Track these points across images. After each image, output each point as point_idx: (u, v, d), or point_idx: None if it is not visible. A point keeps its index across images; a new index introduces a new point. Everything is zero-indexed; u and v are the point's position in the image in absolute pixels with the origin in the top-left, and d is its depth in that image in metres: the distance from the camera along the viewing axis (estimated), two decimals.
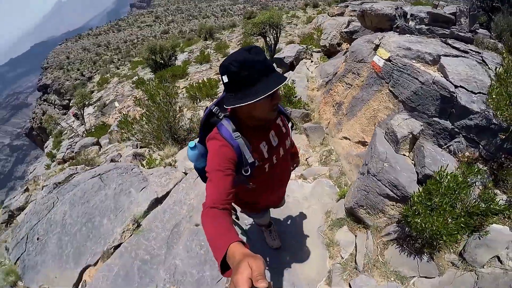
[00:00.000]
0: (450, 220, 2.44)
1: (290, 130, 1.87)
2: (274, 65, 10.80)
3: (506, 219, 2.68)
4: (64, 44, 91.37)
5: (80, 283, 3.12)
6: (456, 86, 2.92)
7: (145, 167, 5.36)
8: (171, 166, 5.02)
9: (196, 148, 1.71)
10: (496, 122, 2.77)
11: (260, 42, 18.37)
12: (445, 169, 2.56)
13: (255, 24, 14.57)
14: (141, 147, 7.89)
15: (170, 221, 3.41)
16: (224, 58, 1.33)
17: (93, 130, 15.70)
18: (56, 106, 42.29)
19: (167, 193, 3.95)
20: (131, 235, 3.34)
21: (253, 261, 0.78)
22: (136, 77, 21.01)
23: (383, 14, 4.25)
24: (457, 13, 4.12)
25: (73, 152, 12.67)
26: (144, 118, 6.94)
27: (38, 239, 3.72)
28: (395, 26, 4.17)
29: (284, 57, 10.12)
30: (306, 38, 11.94)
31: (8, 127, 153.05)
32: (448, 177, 2.53)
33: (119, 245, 3.27)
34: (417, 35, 3.97)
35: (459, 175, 2.59)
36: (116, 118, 14.59)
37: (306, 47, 10.48)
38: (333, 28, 8.43)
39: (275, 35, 14.77)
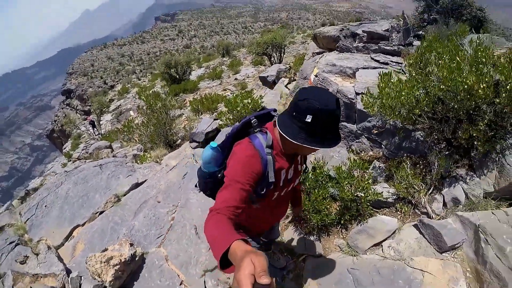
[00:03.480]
0: (319, 200, 3.05)
1: (303, 172, 1.87)
2: (260, 83, 11.65)
3: (397, 212, 3.10)
4: (89, 52, 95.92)
5: (70, 237, 4.29)
6: (357, 94, 3.45)
7: (138, 163, 6.59)
8: (156, 162, 6.23)
9: (216, 150, 1.66)
10: (392, 123, 3.18)
11: (268, 62, 19.37)
12: (322, 161, 3.27)
13: (259, 44, 15.57)
14: (144, 151, 9.13)
15: (141, 199, 4.55)
16: (298, 92, 1.39)
17: (107, 135, 17.14)
18: (77, 111, 44.49)
19: (145, 180, 5.12)
20: (112, 206, 4.50)
21: (255, 258, 0.78)
22: (154, 89, 21.96)
23: (329, 36, 4.93)
24: (389, 30, 4.68)
25: (87, 153, 14.05)
26: (144, 124, 8.26)
27: (45, 206, 4.93)
28: (337, 46, 4.82)
29: (268, 76, 10.86)
30: (298, 58, 12.45)
31: (31, 127, 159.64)
32: (326, 167, 3.21)
33: (102, 212, 4.45)
34: (354, 52, 4.54)
35: (342, 167, 3.17)
36: None
37: (290, 66, 11.27)
38: (314, 48, 9.37)
39: (278, 54, 15.74)
